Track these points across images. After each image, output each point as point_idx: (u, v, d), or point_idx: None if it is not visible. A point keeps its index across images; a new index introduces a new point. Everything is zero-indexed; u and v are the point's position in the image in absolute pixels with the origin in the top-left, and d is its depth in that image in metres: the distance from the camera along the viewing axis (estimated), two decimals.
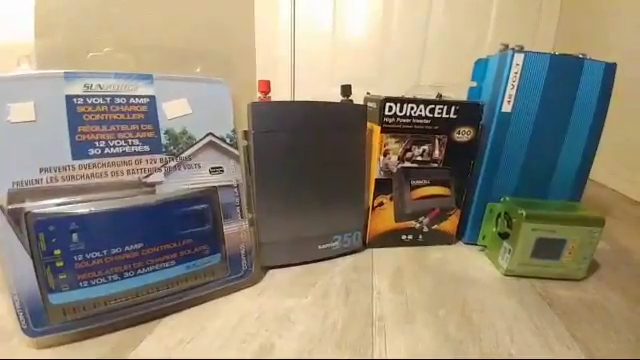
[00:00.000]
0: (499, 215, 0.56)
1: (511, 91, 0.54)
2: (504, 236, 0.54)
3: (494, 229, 0.57)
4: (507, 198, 0.55)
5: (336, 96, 0.58)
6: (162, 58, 0.43)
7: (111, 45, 0.43)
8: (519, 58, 0.54)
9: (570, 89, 0.56)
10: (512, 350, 0.39)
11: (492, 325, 0.43)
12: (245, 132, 0.50)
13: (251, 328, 0.41)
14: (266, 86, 0.51)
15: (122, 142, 0.40)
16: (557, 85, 0.55)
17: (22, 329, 0.35)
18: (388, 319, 0.43)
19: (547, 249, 0.51)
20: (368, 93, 0.61)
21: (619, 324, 0.44)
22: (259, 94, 0.51)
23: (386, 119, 0.54)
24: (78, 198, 0.37)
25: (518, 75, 0.54)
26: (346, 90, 0.55)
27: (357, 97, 0.60)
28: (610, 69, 0.56)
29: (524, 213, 0.50)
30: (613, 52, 0.61)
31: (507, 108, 0.55)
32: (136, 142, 0.40)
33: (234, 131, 0.46)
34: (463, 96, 0.65)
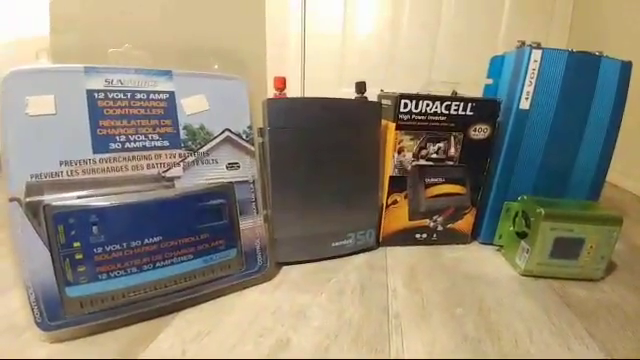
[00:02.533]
0: (516, 214, 0.55)
1: (529, 88, 0.54)
2: (522, 235, 0.53)
3: (511, 228, 0.56)
4: (525, 196, 0.54)
5: (346, 96, 0.58)
6: (178, 55, 0.43)
7: (126, 40, 0.43)
8: (537, 54, 0.53)
9: (588, 86, 0.55)
10: (531, 350, 0.38)
11: (510, 325, 0.42)
12: (260, 129, 0.50)
13: (267, 323, 0.40)
14: (281, 83, 0.51)
15: (142, 137, 0.40)
16: (575, 82, 0.54)
17: (36, 323, 0.35)
18: (404, 317, 0.43)
19: (566, 249, 0.50)
20: (382, 90, 0.61)
21: (637, 324, 0.43)
22: (274, 91, 0.51)
23: (401, 116, 0.54)
24: (98, 191, 0.37)
25: (536, 72, 0.53)
26: (360, 87, 0.54)
27: (368, 97, 0.60)
28: (626, 67, 0.56)
29: (543, 212, 0.49)
30: (628, 50, 0.60)
31: (525, 105, 0.54)
32: (156, 137, 0.41)
33: (250, 127, 0.47)
34: (478, 94, 0.64)
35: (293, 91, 1.37)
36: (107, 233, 0.37)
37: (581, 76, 0.55)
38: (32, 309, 0.35)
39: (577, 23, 1.29)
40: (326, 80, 1.39)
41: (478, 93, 0.65)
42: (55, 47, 0.53)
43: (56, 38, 0.53)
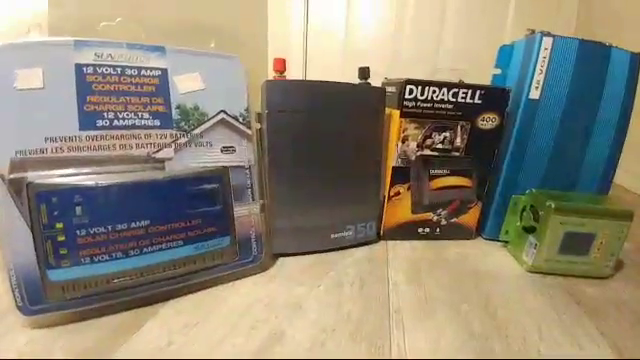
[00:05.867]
0: (524, 208, 0.53)
1: (539, 77, 0.51)
2: (529, 230, 0.51)
3: (518, 223, 0.54)
4: (533, 190, 0.52)
5: None
6: (175, 31, 0.41)
7: (123, 16, 0.41)
8: (548, 42, 0.51)
9: (599, 76, 0.53)
10: (541, 348, 0.36)
11: (518, 322, 0.40)
12: (259, 114, 0.48)
13: (260, 314, 0.38)
14: (281, 65, 0.48)
15: (132, 115, 0.38)
16: (586, 72, 0.52)
17: (17, 306, 0.33)
18: (406, 312, 0.40)
19: (575, 244, 0.48)
20: (386, 78, 0.59)
21: None
22: (274, 73, 0.49)
23: (406, 102, 0.51)
24: (84, 170, 0.35)
25: (547, 60, 0.51)
26: (364, 72, 0.52)
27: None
28: (635, 59, 0.54)
29: (553, 205, 0.47)
30: (636, 41, 0.58)
31: (535, 95, 0.52)
32: (146, 115, 0.38)
33: (247, 110, 0.44)
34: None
35: (295, 77, 1.34)
36: (91, 215, 0.35)
37: (592, 65, 0.53)
38: (13, 292, 0.33)
39: (583, 13, 1.27)
40: (329, 71, 1.37)
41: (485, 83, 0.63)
42: (53, 21, 0.50)
43: (54, 12, 0.51)
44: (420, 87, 0.51)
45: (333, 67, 1.35)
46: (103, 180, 0.35)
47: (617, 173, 0.58)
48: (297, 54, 1.37)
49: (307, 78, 1.36)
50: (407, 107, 0.52)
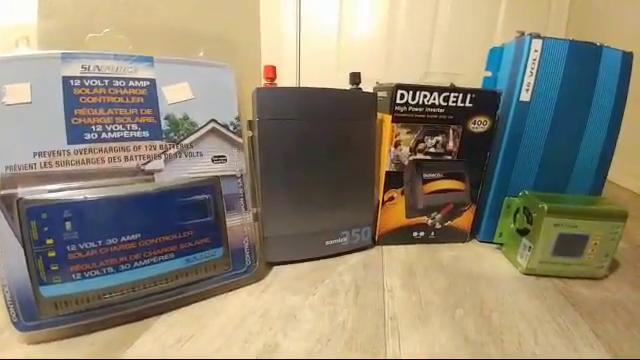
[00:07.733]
0: (518, 210, 0.53)
1: (529, 79, 0.52)
2: (523, 232, 0.51)
3: (512, 225, 0.54)
4: (526, 192, 0.52)
5: None
6: (163, 40, 0.41)
7: (111, 26, 0.41)
8: (537, 44, 0.51)
9: (589, 77, 0.53)
10: (536, 352, 0.36)
11: (514, 326, 0.40)
12: (250, 122, 0.48)
13: (254, 326, 0.38)
14: (272, 72, 0.48)
15: (120, 127, 0.37)
16: (576, 73, 0.52)
17: (12, 322, 0.33)
18: (401, 319, 0.40)
19: (569, 246, 0.48)
20: (377, 83, 0.59)
21: None
22: (264, 81, 0.49)
23: (398, 107, 0.52)
24: (73, 184, 0.35)
25: (537, 62, 0.51)
26: (355, 78, 0.52)
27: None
28: (627, 58, 0.54)
29: (546, 207, 0.47)
30: (627, 41, 0.58)
31: (525, 97, 0.52)
32: (135, 127, 0.38)
33: (238, 118, 0.44)
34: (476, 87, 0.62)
35: (289, 83, 1.34)
36: (81, 230, 0.34)
37: (583, 66, 0.53)
38: (8, 308, 0.33)
39: (574, 14, 1.28)
40: (322, 75, 1.37)
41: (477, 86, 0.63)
42: (41, 34, 0.50)
43: (43, 24, 0.51)
44: (411, 92, 0.51)
45: (327, 72, 1.35)
46: (92, 194, 0.35)
47: (612, 171, 0.58)
48: (290, 60, 1.37)
49: (300, 84, 1.36)
50: (399, 112, 0.52)
